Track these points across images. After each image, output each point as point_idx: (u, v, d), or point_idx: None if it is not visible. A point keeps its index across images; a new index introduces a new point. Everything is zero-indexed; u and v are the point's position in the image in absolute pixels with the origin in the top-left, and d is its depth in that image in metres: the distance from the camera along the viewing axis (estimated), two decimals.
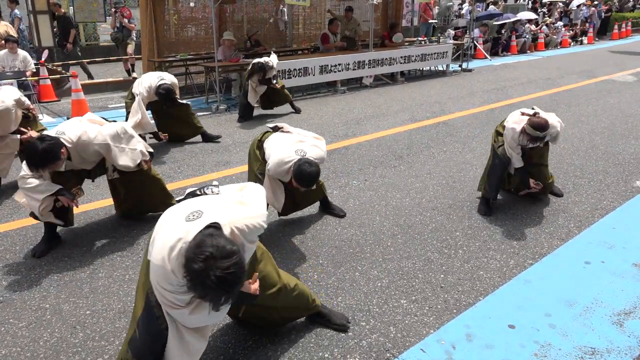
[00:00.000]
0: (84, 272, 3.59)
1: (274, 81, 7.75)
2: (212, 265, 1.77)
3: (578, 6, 20.68)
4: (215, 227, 2.00)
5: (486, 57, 15.24)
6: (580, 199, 4.84)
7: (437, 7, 17.56)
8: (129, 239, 4.08)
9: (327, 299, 3.26)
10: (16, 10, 11.05)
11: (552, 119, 4.31)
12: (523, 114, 4.34)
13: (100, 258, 3.78)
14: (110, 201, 4.63)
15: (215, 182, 2.45)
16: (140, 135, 4.29)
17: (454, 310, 3.15)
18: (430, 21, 15.82)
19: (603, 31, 21.35)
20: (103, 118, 4.02)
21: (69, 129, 3.68)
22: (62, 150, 3.53)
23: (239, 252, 1.87)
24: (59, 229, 4.03)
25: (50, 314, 3.13)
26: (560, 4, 21.62)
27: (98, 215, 4.50)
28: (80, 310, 3.16)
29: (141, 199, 4.27)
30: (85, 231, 4.20)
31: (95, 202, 4.76)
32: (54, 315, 3.11)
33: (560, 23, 19.73)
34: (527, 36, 17.31)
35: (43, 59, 9.49)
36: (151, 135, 6.03)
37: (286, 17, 12.23)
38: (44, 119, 7.79)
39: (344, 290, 3.37)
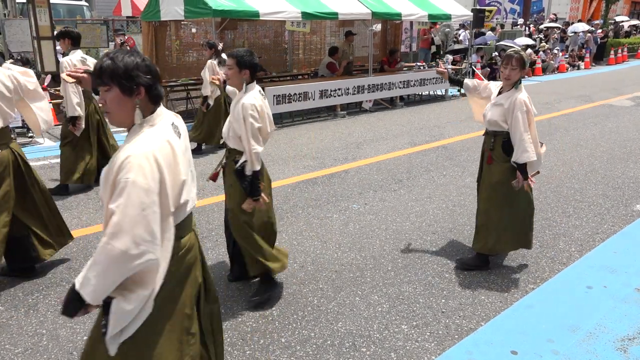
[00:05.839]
0: None
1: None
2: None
3: (583, 32, 20.95)
4: None
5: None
6: (581, 223, 4.83)
7: (437, 33, 17.81)
8: None
9: (327, 325, 3.22)
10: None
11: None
12: None
13: None
14: None
15: None
16: None
17: (456, 336, 3.11)
18: (434, 45, 16.00)
19: (599, 56, 21.62)
20: None
21: None
22: None
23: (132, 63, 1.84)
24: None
25: (47, 339, 3.09)
26: (556, 29, 21.94)
27: (97, 240, 4.48)
28: (78, 336, 3.12)
29: None
30: (84, 255, 4.17)
31: (94, 226, 4.74)
32: (51, 341, 3.07)
33: (557, 48, 19.99)
34: None
35: (46, 84, 9.59)
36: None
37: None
38: (45, 142, 7.83)
39: (344, 315, 3.33)
